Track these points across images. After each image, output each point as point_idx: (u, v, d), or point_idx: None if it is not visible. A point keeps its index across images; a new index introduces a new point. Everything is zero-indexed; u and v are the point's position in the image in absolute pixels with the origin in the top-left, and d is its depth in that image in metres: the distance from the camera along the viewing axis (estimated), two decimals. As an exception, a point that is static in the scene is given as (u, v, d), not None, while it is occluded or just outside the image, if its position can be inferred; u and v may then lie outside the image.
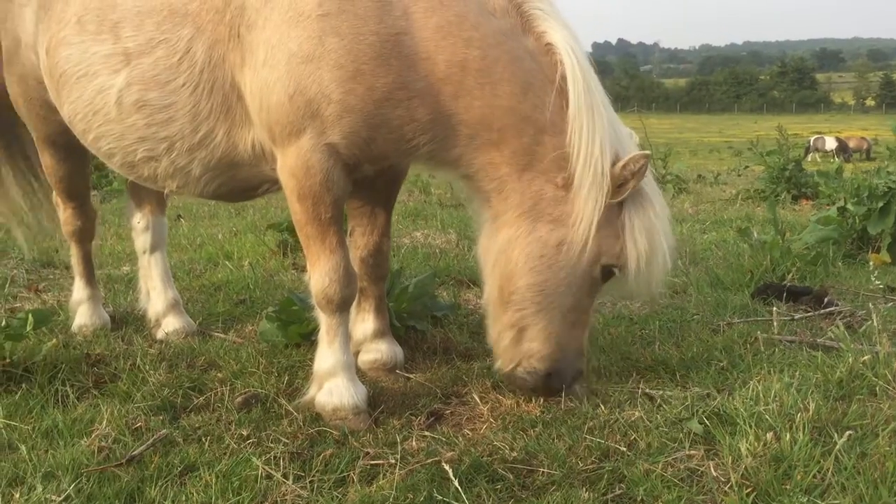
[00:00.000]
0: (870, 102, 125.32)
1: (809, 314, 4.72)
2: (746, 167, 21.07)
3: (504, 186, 3.26)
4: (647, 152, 3.22)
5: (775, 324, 4.38)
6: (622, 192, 3.21)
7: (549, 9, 3.21)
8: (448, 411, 3.48)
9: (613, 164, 3.17)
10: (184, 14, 3.37)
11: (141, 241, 4.61)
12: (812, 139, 37.24)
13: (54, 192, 4.56)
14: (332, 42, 3.06)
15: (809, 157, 30.29)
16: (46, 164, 4.41)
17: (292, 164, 3.22)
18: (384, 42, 3.08)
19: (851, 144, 37.06)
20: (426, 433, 3.23)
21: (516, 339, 3.37)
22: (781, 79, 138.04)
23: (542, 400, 3.48)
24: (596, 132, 3.11)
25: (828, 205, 8.86)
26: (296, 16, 3.10)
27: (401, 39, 3.10)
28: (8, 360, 3.70)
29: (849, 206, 6.98)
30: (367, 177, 3.52)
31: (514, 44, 3.16)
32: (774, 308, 4.60)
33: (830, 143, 36.76)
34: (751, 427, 3.00)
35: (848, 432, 2.87)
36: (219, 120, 3.42)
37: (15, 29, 4.10)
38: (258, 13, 3.20)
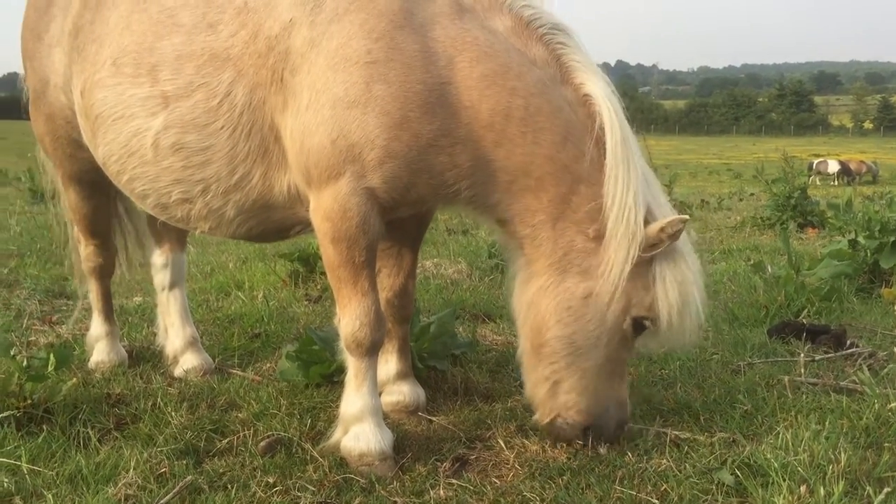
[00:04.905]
0: (868, 125, 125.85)
1: (830, 355, 4.70)
2: (752, 194, 21.04)
3: (538, 234, 3.27)
4: (686, 217, 3.21)
5: (802, 367, 4.36)
6: (655, 250, 3.21)
7: (586, 60, 3.24)
8: (473, 457, 3.45)
9: (646, 217, 3.18)
10: (225, 58, 3.37)
11: (160, 277, 4.60)
12: (815, 162, 37.35)
13: (76, 229, 4.56)
14: (380, 89, 3.08)
15: (810, 180, 30.37)
16: (71, 200, 4.42)
17: (328, 206, 3.22)
18: (431, 90, 3.11)
19: (852, 167, 37.17)
20: (453, 481, 3.20)
21: (552, 391, 3.36)
22: (780, 101, 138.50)
23: (567, 446, 3.45)
24: (630, 184, 3.13)
25: (836, 236, 8.85)
26: (342, 61, 3.12)
27: (446, 88, 3.13)
28: (29, 402, 3.66)
29: (860, 239, 6.96)
30: (399, 218, 3.52)
31: (555, 94, 3.19)
32: (801, 353, 4.58)
33: (833, 167, 36.90)
34: (783, 479, 2.97)
35: (886, 489, 2.84)
36: (256, 162, 3.43)
37: (43, 69, 4.11)
38: (303, 58, 3.21)
